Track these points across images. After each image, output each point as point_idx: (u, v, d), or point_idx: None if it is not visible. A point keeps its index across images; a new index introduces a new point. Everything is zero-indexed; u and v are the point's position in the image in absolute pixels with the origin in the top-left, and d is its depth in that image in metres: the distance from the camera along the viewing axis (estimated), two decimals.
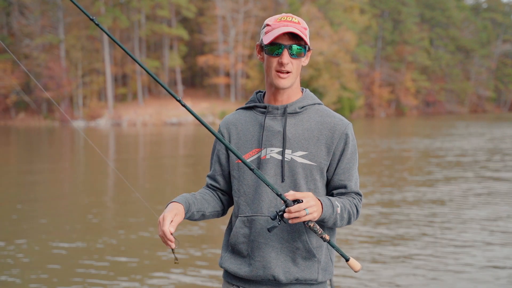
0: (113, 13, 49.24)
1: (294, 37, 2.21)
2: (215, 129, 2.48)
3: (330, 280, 3.03)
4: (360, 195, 2.34)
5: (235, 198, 2.36)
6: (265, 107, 2.33)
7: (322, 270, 2.30)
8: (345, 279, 6.00)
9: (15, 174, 16.08)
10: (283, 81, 2.24)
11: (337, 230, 2.72)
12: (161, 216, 2.17)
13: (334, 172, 2.29)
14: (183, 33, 52.28)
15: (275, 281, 2.27)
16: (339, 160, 2.28)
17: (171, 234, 2.13)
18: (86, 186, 13.69)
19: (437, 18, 75.37)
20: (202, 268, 6.51)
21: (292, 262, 2.26)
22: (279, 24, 2.21)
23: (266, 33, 2.24)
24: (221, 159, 2.42)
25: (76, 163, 19.15)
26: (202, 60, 53.08)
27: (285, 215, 2.05)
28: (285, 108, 2.30)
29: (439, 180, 13.42)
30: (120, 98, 53.05)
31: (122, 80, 55.09)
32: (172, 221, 2.15)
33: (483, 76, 79.81)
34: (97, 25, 2.30)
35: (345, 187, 2.30)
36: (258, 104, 2.36)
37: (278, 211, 2.09)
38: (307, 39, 2.21)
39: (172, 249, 2.17)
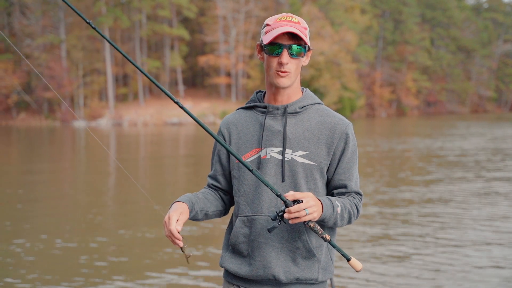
0: (114, 13, 49.26)
1: (294, 37, 2.21)
2: (215, 129, 2.48)
3: (331, 280, 3.03)
4: (361, 195, 2.34)
5: (235, 198, 2.37)
6: (265, 107, 2.33)
7: (322, 269, 2.30)
8: (345, 279, 6.01)
9: (15, 174, 16.09)
10: (283, 81, 2.24)
11: (338, 229, 2.72)
12: (166, 216, 2.17)
13: (334, 172, 2.29)
14: (184, 33, 52.29)
15: (275, 280, 2.27)
16: (339, 160, 2.29)
17: (178, 232, 2.13)
18: (87, 186, 13.69)
19: (438, 18, 75.33)
20: (202, 268, 6.51)
21: (292, 261, 2.27)
22: (279, 24, 2.21)
23: (266, 33, 2.24)
24: (222, 159, 2.43)
25: (77, 163, 19.16)
26: (203, 60, 53.09)
27: (285, 215, 2.06)
28: (285, 108, 2.30)
29: (440, 180, 13.41)
30: (121, 98, 53.07)
31: (123, 80, 55.11)
32: (178, 220, 2.16)
33: (484, 76, 79.77)
34: (94, 28, 2.31)
35: (345, 186, 2.30)
36: (258, 104, 2.36)
37: (278, 211, 2.09)
38: (307, 39, 2.22)
39: (181, 248, 2.17)
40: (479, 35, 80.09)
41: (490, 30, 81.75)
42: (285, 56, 2.20)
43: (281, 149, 2.27)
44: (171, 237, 2.14)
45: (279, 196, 2.08)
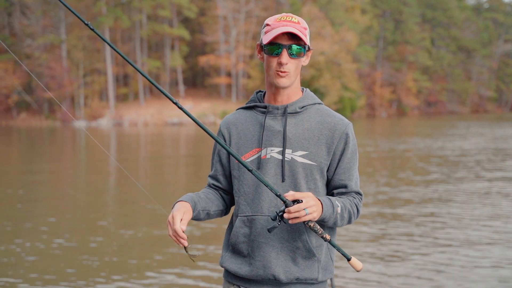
0: (114, 13, 49.28)
1: (294, 37, 2.20)
2: (216, 129, 2.49)
3: (331, 280, 3.03)
4: (361, 195, 2.34)
5: (235, 198, 2.37)
6: (265, 107, 2.33)
7: (322, 269, 2.30)
8: (346, 278, 6.01)
9: (16, 174, 16.10)
10: (282, 81, 2.24)
11: (338, 229, 2.72)
12: (170, 216, 2.17)
13: (334, 172, 2.29)
14: (185, 33, 52.31)
15: (275, 280, 2.27)
16: (339, 160, 2.29)
17: (183, 232, 2.13)
18: (87, 186, 13.69)
19: (439, 18, 75.33)
20: (203, 268, 6.51)
21: (292, 261, 2.27)
22: (279, 24, 2.21)
23: (265, 33, 2.24)
24: (222, 159, 2.43)
25: (77, 163, 19.16)
26: (203, 60, 53.10)
27: (285, 215, 2.06)
28: (285, 108, 2.30)
29: (440, 180, 13.41)
30: (122, 98, 53.08)
31: (123, 80, 55.12)
32: (182, 219, 2.16)
33: (484, 76, 79.78)
34: (92, 29, 2.31)
35: (345, 186, 2.30)
36: (258, 104, 2.36)
37: (278, 211, 2.09)
38: (306, 39, 2.21)
39: (185, 247, 2.17)
40: (479, 35, 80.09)
41: (490, 30, 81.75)
42: (284, 56, 2.20)
43: (281, 149, 2.27)
44: (176, 236, 2.14)
45: (278, 196, 2.08)
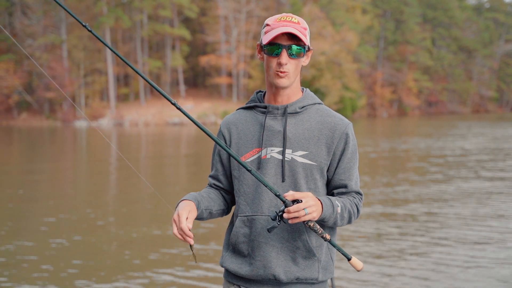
0: (115, 13, 49.30)
1: (293, 37, 2.20)
2: (217, 129, 2.49)
3: (331, 279, 3.03)
4: (361, 195, 2.35)
5: (236, 198, 2.37)
6: (265, 107, 2.34)
7: (322, 269, 2.30)
8: (346, 278, 6.01)
9: (16, 173, 16.11)
10: (282, 81, 2.24)
11: (338, 229, 2.72)
12: (175, 215, 2.17)
13: (334, 172, 2.30)
14: (185, 33, 52.32)
15: (275, 280, 2.28)
16: (339, 160, 2.29)
17: (189, 230, 2.14)
18: (88, 185, 13.70)
19: (439, 18, 75.30)
20: (203, 267, 6.52)
21: (293, 261, 2.27)
22: (279, 24, 2.21)
23: (265, 33, 2.24)
24: (222, 159, 2.43)
25: (78, 163, 19.18)
26: (204, 60, 53.11)
27: (284, 215, 2.06)
28: (285, 108, 2.30)
29: (440, 180, 13.41)
30: (122, 98, 53.10)
31: (124, 80, 55.14)
32: (187, 218, 2.16)
33: (485, 76, 79.74)
34: (90, 31, 2.31)
35: (345, 186, 2.30)
36: (258, 104, 2.37)
37: (277, 211, 2.10)
38: (306, 39, 2.22)
39: (191, 246, 2.18)
40: (480, 35, 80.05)
41: (491, 30, 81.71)
42: (284, 57, 2.20)
43: (281, 149, 2.27)
44: (182, 235, 2.14)
45: (278, 196, 2.09)
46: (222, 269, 5.48)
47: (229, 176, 2.44)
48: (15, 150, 24.73)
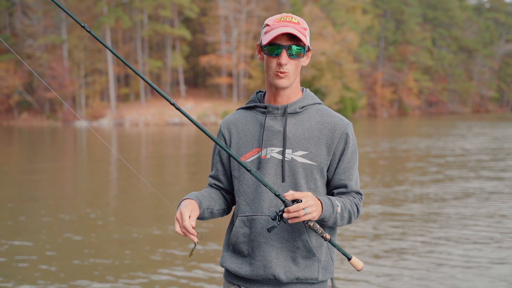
0: (115, 13, 49.31)
1: (293, 37, 2.21)
2: (217, 129, 2.49)
3: (332, 279, 3.03)
4: (361, 194, 2.35)
5: (236, 198, 2.38)
6: (265, 107, 2.34)
7: (322, 269, 2.31)
8: (346, 278, 6.01)
9: (17, 173, 16.11)
10: (282, 81, 2.25)
11: (338, 229, 2.72)
12: (177, 213, 2.18)
13: (334, 172, 2.30)
14: (186, 33, 52.32)
15: (275, 280, 2.28)
16: (339, 160, 2.29)
17: (193, 228, 2.15)
18: (88, 185, 13.71)
19: (440, 18, 75.29)
20: (203, 267, 6.52)
21: (293, 261, 2.27)
22: (279, 24, 2.21)
23: (265, 33, 2.25)
24: (223, 159, 2.43)
25: (79, 162, 19.18)
26: (204, 60, 53.11)
27: (284, 215, 2.06)
28: (285, 108, 2.31)
29: (441, 179, 13.41)
30: (123, 98, 53.10)
31: (124, 80, 55.15)
32: (190, 216, 2.17)
33: (485, 76, 79.71)
34: (89, 32, 2.32)
35: (345, 186, 2.31)
36: (258, 104, 2.37)
37: (277, 211, 2.10)
38: (306, 40, 2.22)
39: (195, 243, 2.18)
40: (480, 35, 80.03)
41: (491, 30, 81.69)
42: (284, 57, 2.21)
43: (281, 149, 2.28)
44: (185, 233, 2.15)
45: (278, 195, 2.09)
46: (222, 269, 5.49)
47: (229, 176, 2.44)
48: (15, 150, 24.74)
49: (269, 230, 2.11)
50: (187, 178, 15.30)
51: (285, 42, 2.20)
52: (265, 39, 2.22)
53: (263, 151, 2.29)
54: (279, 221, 2.10)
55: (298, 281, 2.29)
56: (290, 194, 2.07)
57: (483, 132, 32.58)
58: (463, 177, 13.79)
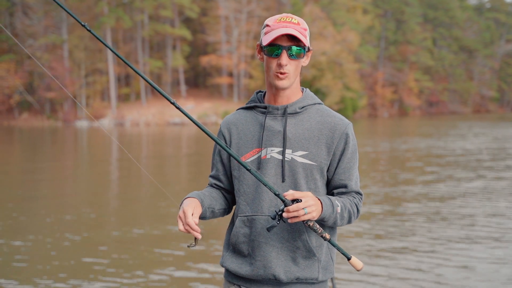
0: (116, 13, 49.30)
1: (293, 38, 2.21)
2: (217, 129, 2.49)
3: (332, 279, 3.03)
4: (361, 194, 2.35)
5: (236, 198, 2.38)
6: (265, 107, 2.34)
7: (322, 269, 2.31)
8: (345, 278, 6.01)
9: (17, 173, 16.11)
10: (282, 82, 2.25)
11: (338, 229, 2.72)
12: (180, 212, 2.19)
13: (334, 172, 2.30)
14: (186, 33, 52.31)
15: (275, 280, 2.28)
16: (339, 160, 2.30)
17: (196, 225, 2.16)
18: (89, 185, 13.71)
19: (440, 18, 75.28)
20: (203, 267, 6.52)
21: (293, 261, 2.27)
22: (279, 25, 2.21)
23: (265, 33, 2.25)
24: (223, 159, 2.44)
25: (79, 162, 19.19)
26: (205, 60, 53.10)
27: (284, 214, 2.07)
28: (285, 108, 2.31)
29: (441, 179, 13.41)
30: (123, 98, 53.09)
31: (125, 80, 55.14)
32: (193, 213, 2.18)
33: (486, 76, 79.70)
34: (89, 31, 2.32)
35: (345, 186, 2.31)
36: (258, 104, 2.37)
37: (277, 210, 2.10)
38: (306, 40, 2.22)
39: (195, 239, 2.19)
40: (481, 35, 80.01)
41: (492, 30, 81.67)
42: (284, 58, 2.21)
43: (281, 149, 2.28)
44: (189, 230, 2.15)
45: (277, 195, 2.09)
46: (222, 269, 5.49)
47: (229, 176, 2.44)
48: (16, 150, 24.74)
49: (268, 229, 2.12)
50: (187, 178, 15.30)
51: (285, 43, 2.21)
52: (265, 40, 2.22)
53: (263, 151, 2.30)
54: (278, 220, 2.10)
55: (298, 281, 2.29)
56: (290, 194, 2.07)
57: (483, 132, 32.57)
58: (463, 177, 13.79)
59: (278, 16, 2.25)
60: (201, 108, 48.27)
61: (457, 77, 75.23)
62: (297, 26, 2.21)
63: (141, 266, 6.59)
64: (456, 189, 11.98)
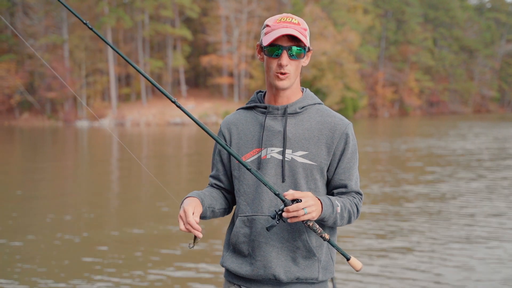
0: (116, 13, 49.31)
1: (294, 38, 2.21)
2: (217, 129, 2.49)
3: (332, 279, 3.03)
4: (361, 194, 2.35)
5: (236, 198, 2.38)
6: (265, 107, 2.34)
7: (322, 269, 2.31)
8: (345, 278, 6.01)
9: (18, 173, 16.12)
10: (282, 82, 2.25)
11: (337, 229, 2.72)
12: (181, 211, 2.19)
13: (334, 172, 2.30)
14: (187, 33, 52.32)
15: (276, 280, 2.28)
16: (339, 160, 2.30)
17: (197, 223, 2.16)
18: (89, 185, 13.72)
19: (441, 18, 75.27)
20: (203, 267, 6.52)
21: (293, 261, 2.27)
22: (279, 25, 2.21)
23: (265, 34, 2.25)
24: (223, 159, 2.44)
25: (80, 162, 19.19)
26: (205, 60, 53.11)
27: (284, 214, 2.07)
28: (285, 108, 2.31)
29: (441, 179, 13.40)
30: (124, 98, 53.10)
31: (125, 80, 55.15)
32: (193, 213, 2.18)
33: (486, 76, 79.69)
34: (91, 29, 2.32)
35: (345, 186, 2.31)
36: (258, 104, 2.37)
37: (277, 210, 2.10)
38: (306, 40, 2.22)
39: (195, 237, 2.19)
40: (481, 35, 80.00)
41: (493, 30, 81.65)
42: (284, 58, 2.21)
43: (281, 149, 2.28)
44: (190, 229, 2.15)
45: (277, 195, 2.09)
46: (222, 269, 5.49)
47: (229, 176, 2.44)
48: (16, 150, 24.75)
49: (268, 229, 2.12)
50: (188, 177, 15.30)
51: (285, 43, 2.21)
52: (266, 40, 2.22)
53: (263, 151, 2.30)
54: (278, 220, 2.10)
55: (298, 281, 2.29)
56: (290, 194, 2.07)
57: (484, 132, 32.56)
58: (463, 177, 13.79)
59: (278, 16, 2.25)
60: (202, 108, 48.27)
61: (458, 77, 75.23)
62: (297, 26, 2.21)
63: (141, 266, 6.59)
64: (456, 189, 11.97)
